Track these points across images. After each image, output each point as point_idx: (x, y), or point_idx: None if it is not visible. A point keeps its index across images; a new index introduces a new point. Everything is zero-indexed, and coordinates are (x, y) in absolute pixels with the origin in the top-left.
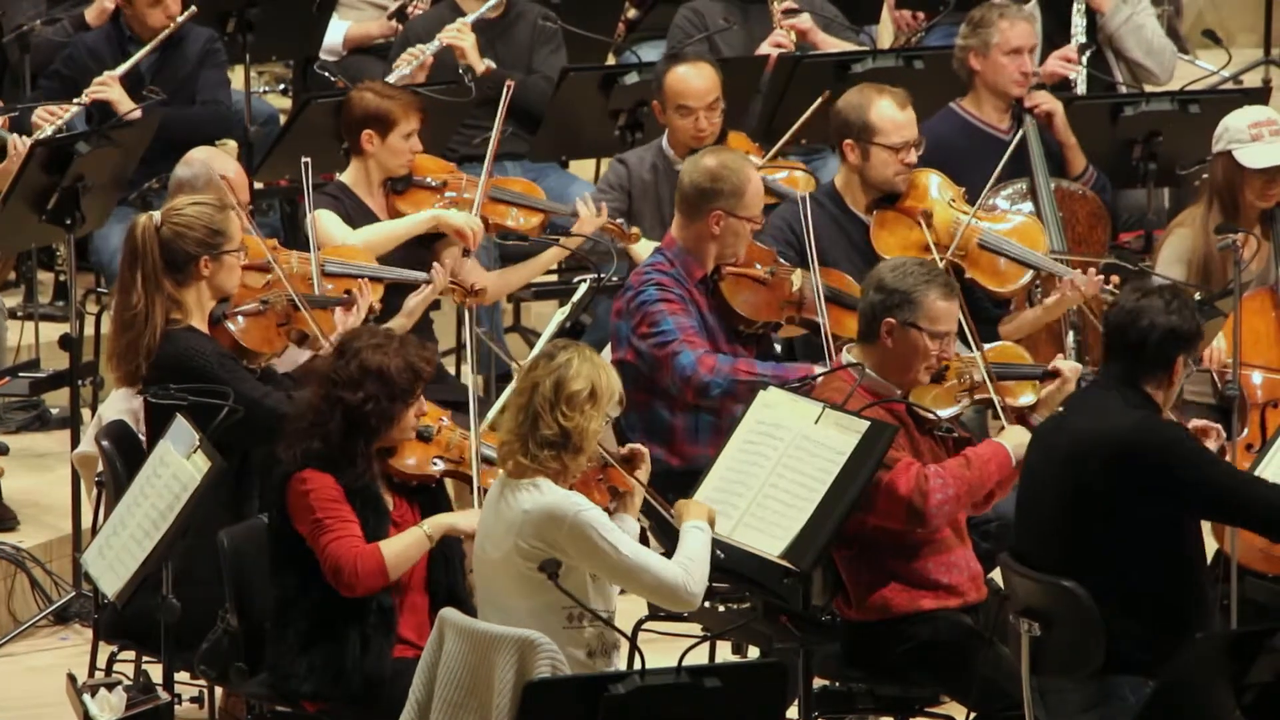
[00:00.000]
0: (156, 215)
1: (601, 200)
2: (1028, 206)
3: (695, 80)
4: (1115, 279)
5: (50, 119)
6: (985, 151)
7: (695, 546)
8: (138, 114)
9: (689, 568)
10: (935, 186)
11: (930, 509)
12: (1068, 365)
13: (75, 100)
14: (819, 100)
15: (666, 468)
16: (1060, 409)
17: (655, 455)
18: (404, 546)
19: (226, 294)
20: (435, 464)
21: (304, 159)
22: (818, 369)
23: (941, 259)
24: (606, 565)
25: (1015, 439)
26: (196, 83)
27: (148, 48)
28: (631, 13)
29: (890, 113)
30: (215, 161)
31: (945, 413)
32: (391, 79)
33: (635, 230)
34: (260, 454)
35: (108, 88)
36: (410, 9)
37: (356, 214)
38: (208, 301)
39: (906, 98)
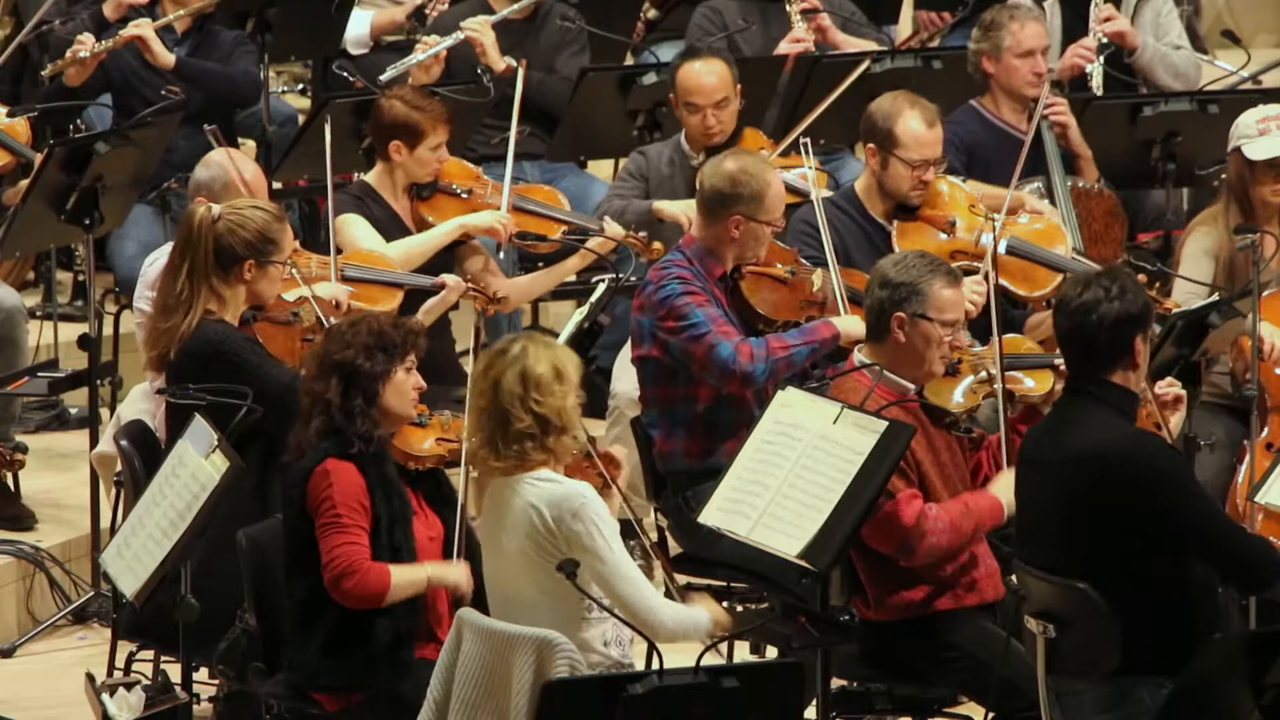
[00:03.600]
0: (215, 208)
1: (618, 192)
2: (1044, 204)
3: (703, 78)
4: (1142, 278)
5: (84, 45)
6: (1007, 150)
7: (693, 614)
8: (169, 59)
9: (673, 611)
10: (951, 193)
11: (922, 549)
12: None
13: (107, 35)
14: (833, 94)
15: (687, 466)
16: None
17: (677, 452)
18: (408, 582)
19: (263, 303)
20: (438, 444)
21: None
22: (836, 321)
23: (980, 270)
24: (597, 560)
25: (1010, 493)
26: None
27: (185, 11)
28: (651, 13)
29: (916, 128)
30: (235, 163)
31: (962, 409)
32: (404, 65)
33: (658, 245)
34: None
35: (143, 27)
36: (429, 9)
37: (381, 217)
38: (242, 305)
39: (937, 115)
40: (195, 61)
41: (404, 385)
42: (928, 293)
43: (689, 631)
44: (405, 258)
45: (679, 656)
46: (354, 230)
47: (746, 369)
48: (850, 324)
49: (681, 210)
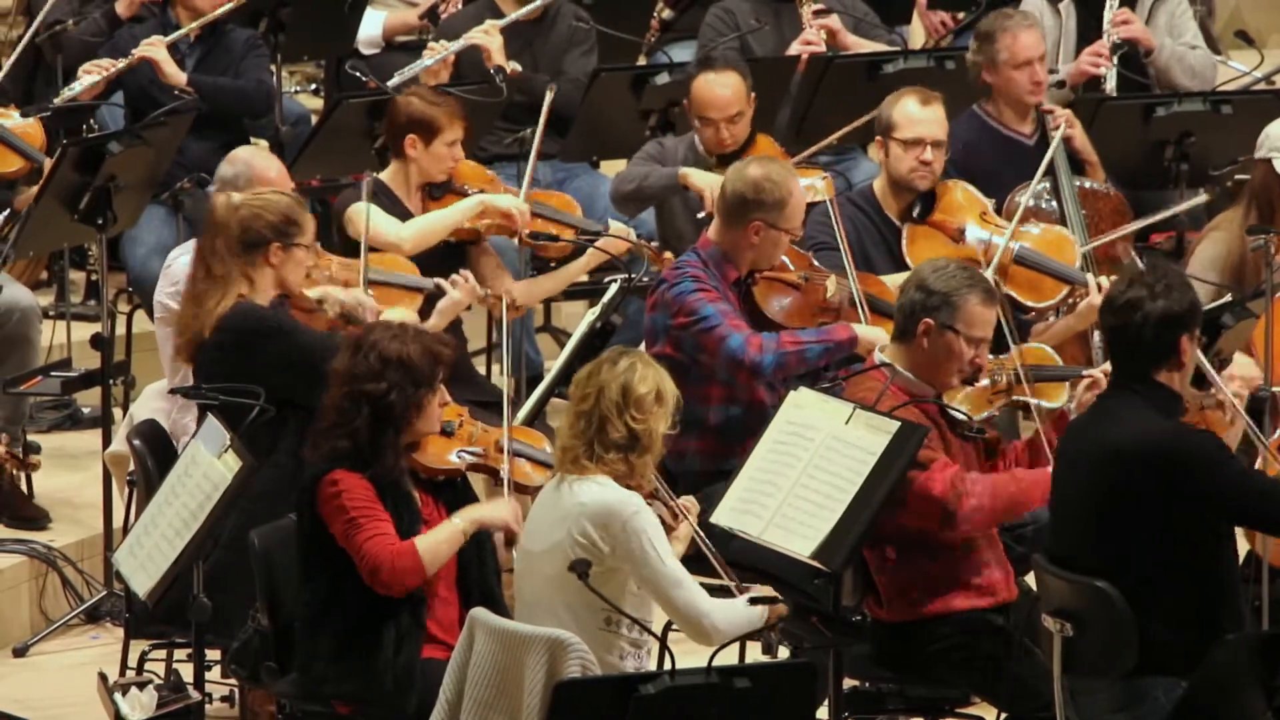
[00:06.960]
0: (236, 196)
1: (636, 164)
2: (1052, 204)
3: (718, 90)
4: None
5: (97, 70)
6: (1010, 156)
7: (739, 609)
8: (181, 78)
9: (724, 610)
10: (964, 200)
11: (962, 513)
12: (1105, 367)
13: (122, 58)
14: (865, 117)
15: (699, 466)
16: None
17: (689, 452)
18: (438, 541)
19: (289, 289)
20: (460, 457)
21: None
22: (856, 327)
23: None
24: (646, 570)
25: None
26: (238, 72)
27: (197, 24)
28: (666, 13)
29: (909, 108)
30: (258, 161)
31: (977, 416)
32: (413, 70)
33: (669, 255)
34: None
35: (155, 48)
36: (442, 8)
37: (393, 213)
38: (270, 290)
39: (934, 98)
40: (207, 79)
41: (434, 409)
42: (961, 306)
43: (743, 627)
44: (422, 234)
45: (691, 658)
46: (372, 219)
47: (755, 359)
48: (871, 331)
49: (708, 184)
